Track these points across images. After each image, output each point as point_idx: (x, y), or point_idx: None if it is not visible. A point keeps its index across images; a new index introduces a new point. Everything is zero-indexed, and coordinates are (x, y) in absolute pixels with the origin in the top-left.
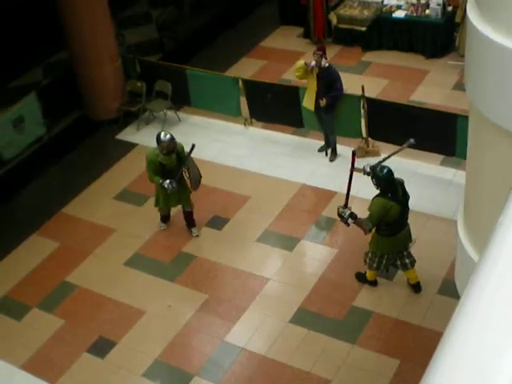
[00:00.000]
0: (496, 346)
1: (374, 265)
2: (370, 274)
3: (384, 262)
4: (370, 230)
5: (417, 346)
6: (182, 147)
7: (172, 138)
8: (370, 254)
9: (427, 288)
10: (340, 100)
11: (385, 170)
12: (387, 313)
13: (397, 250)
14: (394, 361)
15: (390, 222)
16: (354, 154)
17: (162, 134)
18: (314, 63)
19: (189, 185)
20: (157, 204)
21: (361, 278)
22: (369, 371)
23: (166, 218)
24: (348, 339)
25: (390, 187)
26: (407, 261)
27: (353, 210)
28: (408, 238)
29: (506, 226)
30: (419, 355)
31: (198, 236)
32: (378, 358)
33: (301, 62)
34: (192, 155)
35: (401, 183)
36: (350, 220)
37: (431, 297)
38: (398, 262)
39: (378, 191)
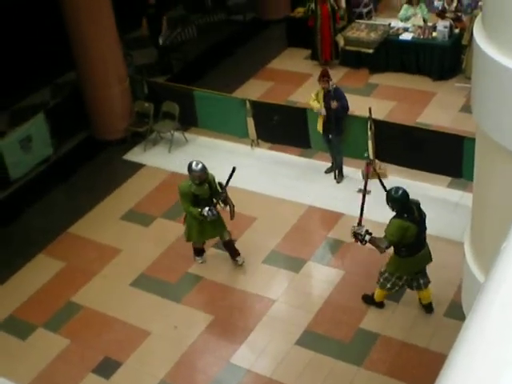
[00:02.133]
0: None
1: (388, 285)
2: (378, 295)
3: (400, 283)
4: (387, 248)
5: (423, 368)
6: (213, 177)
7: (204, 168)
8: (386, 274)
9: (434, 310)
10: (347, 121)
11: (400, 192)
12: (394, 335)
13: (415, 271)
14: None
15: (408, 243)
16: (367, 173)
17: (194, 164)
18: (324, 112)
19: (229, 213)
20: (189, 239)
21: (367, 299)
22: None
23: (201, 252)
24: (354, 362)
25: (406, 208)
26: (421, 281)
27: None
28: (427, 259)
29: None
30: (426, 378)
31: (242, 264)
32: (384, 380)
33: (315, 104)
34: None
35: (416, 203)
36: (367, 237)
37: (438, 319)
38: (414, 283)
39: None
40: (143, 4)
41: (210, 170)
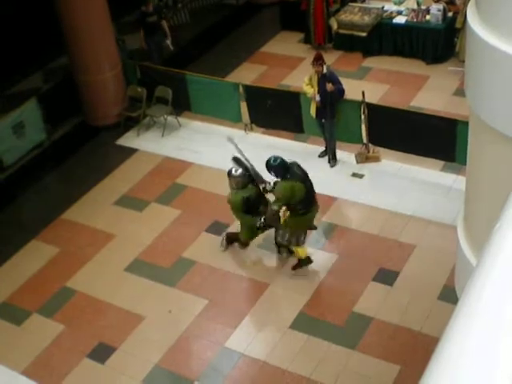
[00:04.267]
0: (493, 350)
1: (302, 238)
2: (300, 252)
3: (304, 236)
4: (278, 212)
5: (417, 351)
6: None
7: (243, 173)
8: (291, 234)
9: (428, 294)
10: (341, 105)
11: (278, 160)
12: (387, 319)
13: (308, 228)
14: (395, 367)
15: (300, 200)
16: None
17: (233, 170)
18: (318, 98)
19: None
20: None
21: (301, 265)
22: (369, 377)
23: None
24: (348, 345)
25: (287, 170)
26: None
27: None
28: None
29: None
30: (419, 361)
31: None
32: (378, 363)
33: (309, 89)
34: (193, 161)
35: (294, 164)
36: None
37: (432, 303)
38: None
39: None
40: (141, 13)
41: (203, 154)
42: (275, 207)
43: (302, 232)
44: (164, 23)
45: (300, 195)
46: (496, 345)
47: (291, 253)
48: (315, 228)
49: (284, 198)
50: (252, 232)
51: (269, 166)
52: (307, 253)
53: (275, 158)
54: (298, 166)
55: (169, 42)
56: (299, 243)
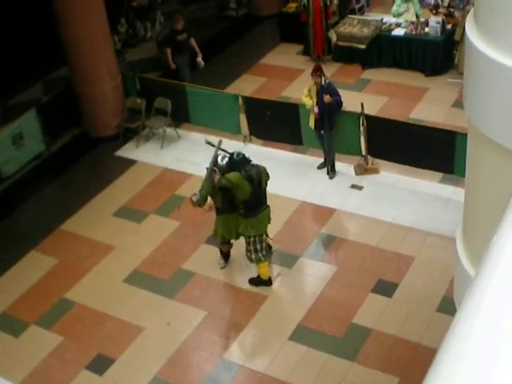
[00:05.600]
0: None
1: (262, 253)
2: (262, 271)
3: (264, 242)
4: (223, 186)
5: (416, 363)
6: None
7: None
8: (247, 248)
9: (427, 305)
10: (339, 117)
11: (240, 156)
12: (387, 330)
13: (260, 233)
14: (393, 378)
15: (244, 200)
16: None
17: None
18: (316, 110)
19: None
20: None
21: (257, 283)
22: None
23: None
24: (347, 357)
25: (244, 167)
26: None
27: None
28: (267, 219)
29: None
30: (418, 373)
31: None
32: (377, 375)
33: (308, 101)
34: (193, 173)
35: (257, 167)
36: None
37: (430, 314)
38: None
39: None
40: (170, 31)
41: (201, 166)
42: (223, 182)
43: (257, 243)
44: (193, 41)
45: (244, 194)
46: (494, 357)
47: (270, 248)
48: (270, 246)
49: (230, 183)
50: (227, 227)
51: (231, 160)
52: (267, 274)
53: (238, 154)
54: (259, 172)
55: (200, 58)
56: (259, 261)
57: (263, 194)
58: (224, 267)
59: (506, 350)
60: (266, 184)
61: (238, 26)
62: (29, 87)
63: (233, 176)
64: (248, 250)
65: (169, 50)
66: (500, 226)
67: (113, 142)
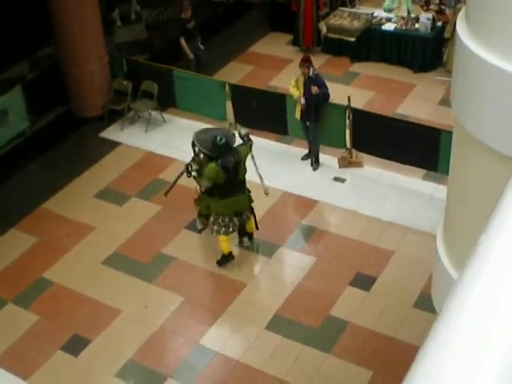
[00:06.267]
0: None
1: (223, 229)
2: (222, 246)
3: (229, 222)
4: (207, 189)
5: (391, 357)
6: None
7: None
8: (211, 219)
9: (404, 300)
10: (326, 109)
11: (223, 140)
12: (363, 323)
13: (232, 213)
14: (368, 372)
15: (219, 185)
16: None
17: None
18: (303, 101)
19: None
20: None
21: (221, 261)
22: (342, 381)
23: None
24: (323, 348)
25: (224, 155)
26: (244, 216)
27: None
28: (244, 204)
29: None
30: (392, 367)
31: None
32: (351, 368)
33: (295, 91)
34: (176, 158)
35: (241, 152)
36: (193, 173)
37: (407, 310)
38: (239, 219)
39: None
40: (180, 20)
41: (185, 152)
42: (206, 186)
43: (218, 219)
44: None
45: (220, 182)
46: (476, 360)
47: (250, 239)
48: (250, 235)
49: (212, 178)
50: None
51: (213, 144)
52: (229, 248)
53: (221, 138)
54: (238, 161)
55: (199, 43)
56: (219, 233)
57: (238, 182)
58: (202, 229)
59: (490, 352)
60: (247, 161)
61: (228, 13)
62: (15, 64)
63: (208, 170)
64: (211, 223)
65: (183, 40)
66: (488, 226)
67: (98, 122)
